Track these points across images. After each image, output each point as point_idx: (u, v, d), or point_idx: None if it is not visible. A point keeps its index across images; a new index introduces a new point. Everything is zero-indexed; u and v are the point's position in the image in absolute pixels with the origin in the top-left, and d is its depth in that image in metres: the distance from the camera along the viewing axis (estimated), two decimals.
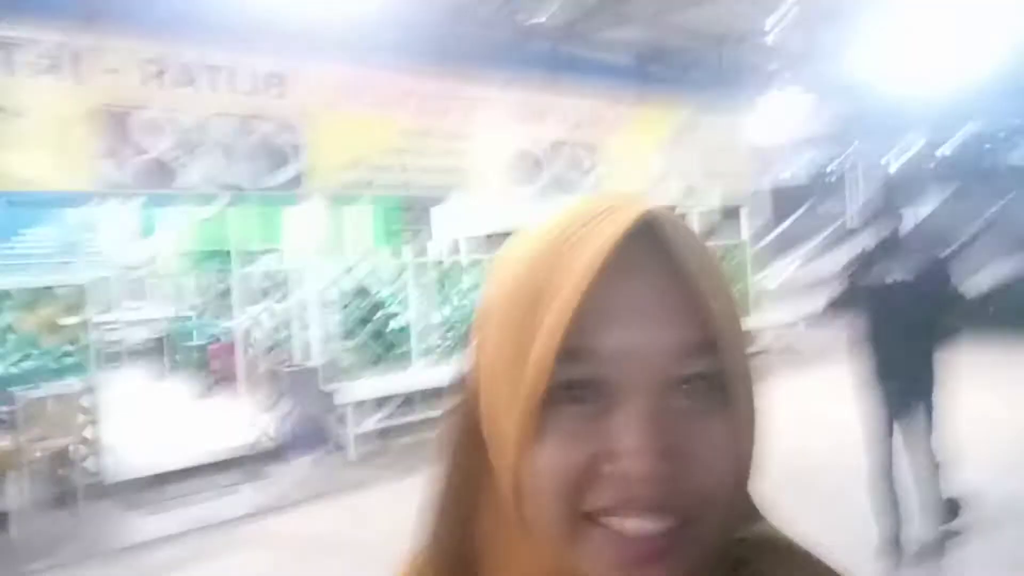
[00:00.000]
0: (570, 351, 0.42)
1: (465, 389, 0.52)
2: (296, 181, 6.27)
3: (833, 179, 16.15)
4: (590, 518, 0.42)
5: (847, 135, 14.82)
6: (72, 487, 5.18)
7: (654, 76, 9.45)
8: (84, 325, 5.50)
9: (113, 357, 12.20)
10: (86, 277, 5.80)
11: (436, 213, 9.69)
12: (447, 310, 7.45)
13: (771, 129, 11.22)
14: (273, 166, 6.14)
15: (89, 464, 5.49)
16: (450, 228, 9.83)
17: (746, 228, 10.57)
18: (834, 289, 4.06)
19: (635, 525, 0.41)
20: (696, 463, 0.42)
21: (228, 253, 8.39)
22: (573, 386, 0.43)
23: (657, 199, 0.45)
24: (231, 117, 5.93)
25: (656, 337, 0.43)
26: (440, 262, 7.82)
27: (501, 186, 7.80)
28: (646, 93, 9.16)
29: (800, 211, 14.96)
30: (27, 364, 5.29)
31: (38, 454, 5.16)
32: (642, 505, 0.41)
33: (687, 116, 9.54)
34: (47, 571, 4.37)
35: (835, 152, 16.04)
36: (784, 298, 10.91)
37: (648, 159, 9.26)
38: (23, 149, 5.02)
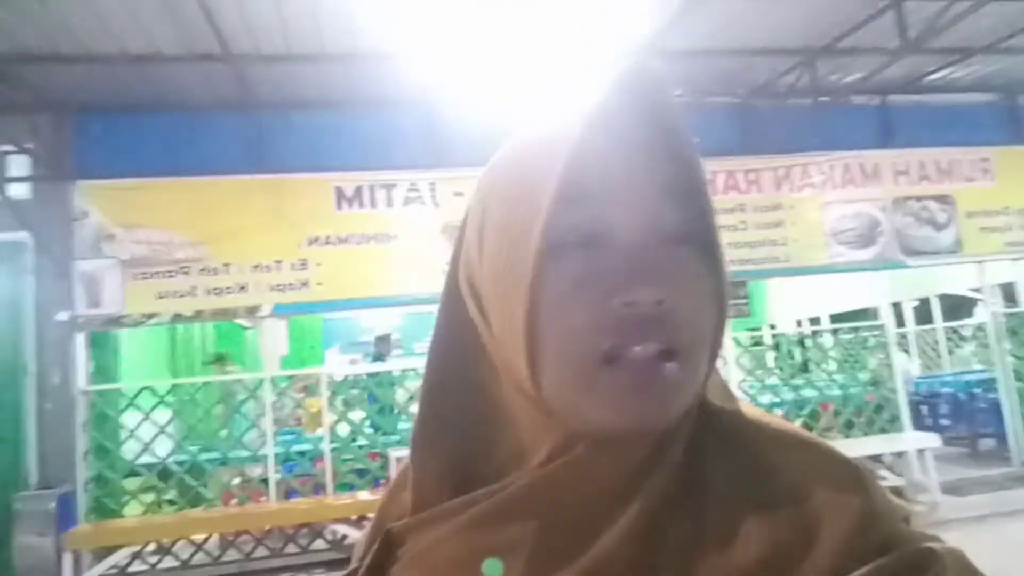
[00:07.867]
0: (573, 196, 0.47)
1: (455, 272, 0.57)
2: None
3: None
4: (606, 360, 0.46)
5: None
6: None
7: None
8: None
9: None
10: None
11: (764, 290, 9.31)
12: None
13: None
14: None
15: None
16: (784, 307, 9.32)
17: None
18: None
19: (642, 351, 0.45)
20: (688, 299, 0.47)
21: None
22: (579, 234, 0.48)
23: None
24: None
25: (648, 181, 0.48)
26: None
27: (830, 256, 7.28)
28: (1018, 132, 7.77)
29: None
30: None
31: None
32: (648, 329, 0.45)
33: None
34: None
35: None
36: None
37: None
38: (398, 265, 6.47)
